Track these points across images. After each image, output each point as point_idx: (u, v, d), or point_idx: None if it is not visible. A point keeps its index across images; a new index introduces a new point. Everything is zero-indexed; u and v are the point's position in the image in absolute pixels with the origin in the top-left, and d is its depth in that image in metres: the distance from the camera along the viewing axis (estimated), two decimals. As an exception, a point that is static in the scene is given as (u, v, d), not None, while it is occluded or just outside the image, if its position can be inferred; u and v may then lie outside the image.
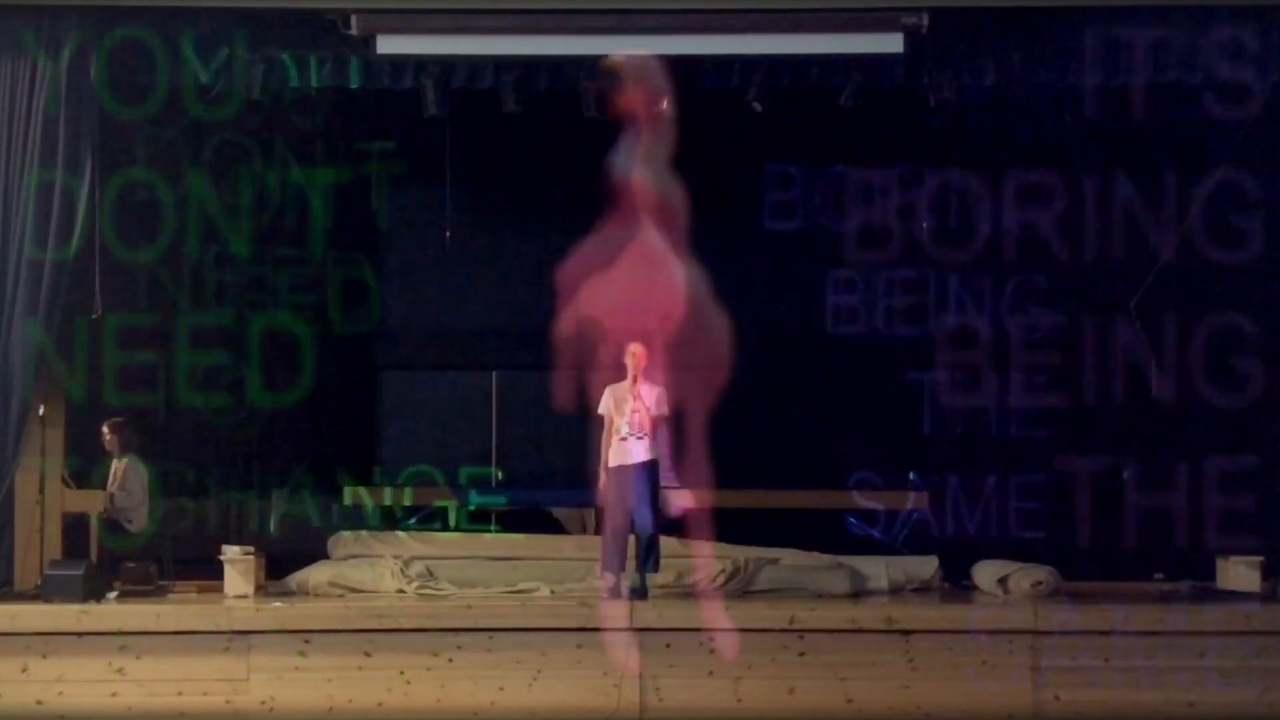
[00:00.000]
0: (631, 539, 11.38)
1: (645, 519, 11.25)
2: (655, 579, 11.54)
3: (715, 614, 10.83)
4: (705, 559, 12.18)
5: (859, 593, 12.09)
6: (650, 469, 11.28)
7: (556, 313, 11.99)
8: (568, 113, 12.51)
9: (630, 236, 13.48)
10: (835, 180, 14.34)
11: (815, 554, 12.62)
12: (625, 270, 13.61)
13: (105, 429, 12.48)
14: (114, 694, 10.65)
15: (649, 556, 11.28)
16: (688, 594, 11.74)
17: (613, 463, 11.34)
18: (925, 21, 11.38)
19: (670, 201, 12.31)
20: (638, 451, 11.27)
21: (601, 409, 11.46)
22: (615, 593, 11.18)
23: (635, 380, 11.34)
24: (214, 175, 13.99)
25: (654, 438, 11.30)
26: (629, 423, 11.27)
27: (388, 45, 11.65)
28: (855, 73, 12.03)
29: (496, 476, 14.78)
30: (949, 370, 14.43)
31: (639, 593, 11.20)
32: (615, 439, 11.33)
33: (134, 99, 12.33)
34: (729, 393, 14.57)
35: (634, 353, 11.38)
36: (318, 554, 12.69)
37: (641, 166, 12.70)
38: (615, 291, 13.60)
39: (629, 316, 13.44)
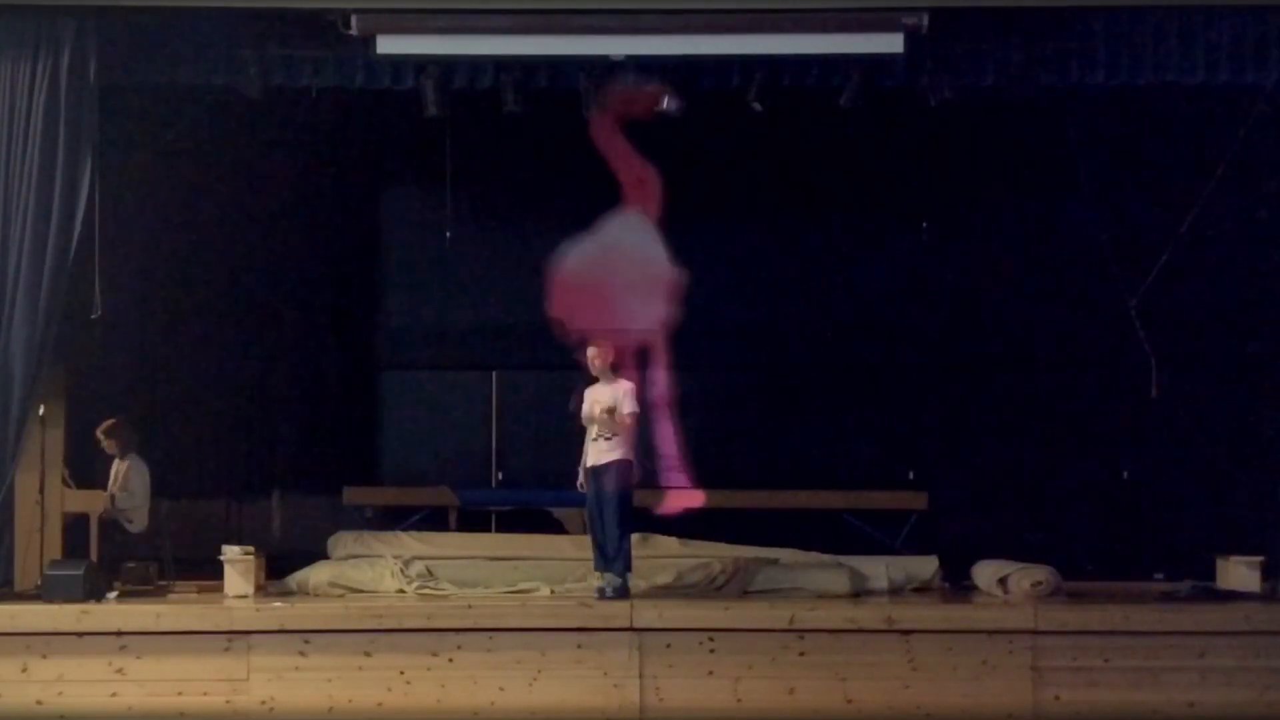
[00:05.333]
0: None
1: (611, 519, 11.25)
2: (655, 579, 11.54)
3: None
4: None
5: (859, 593, 12.08)
6: (617, 469, 11.28)
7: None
8: (568, 113, 12.51)
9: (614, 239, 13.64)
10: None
11: (815, 554, 12.62)
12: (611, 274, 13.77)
13: (99, 433, 12.48)
14: (114, 694, 10.64)
15: (618, 556, 11.26)
16: (688, 594, 11.74)
17: (589, 463, 11.38)
18: (925, 21, 11.37)
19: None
20: (604, 452, 11.29)
21: (582, 411, 11.49)
22: (602, 592, 11.20)
23: (598, 381, 11.37)
24: (213, 175, 14.01)
25: (623, 437, 11.29)
26: (597, 423, 11.30)
27: (388, 45, 11.64)
28: (855, 73, 12.03)
29: (497, 477, 14.79)
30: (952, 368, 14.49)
31: (618, 591, 11.19)
32: (588, 440, 11.37)
33: (134, 99, 12.33)
34: (731, 392, 14.68)
35: (592, 356, 11.40)
36: (318, 554, 12.69)
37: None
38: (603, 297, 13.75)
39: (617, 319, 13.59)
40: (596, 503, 11.34)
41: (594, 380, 11.49)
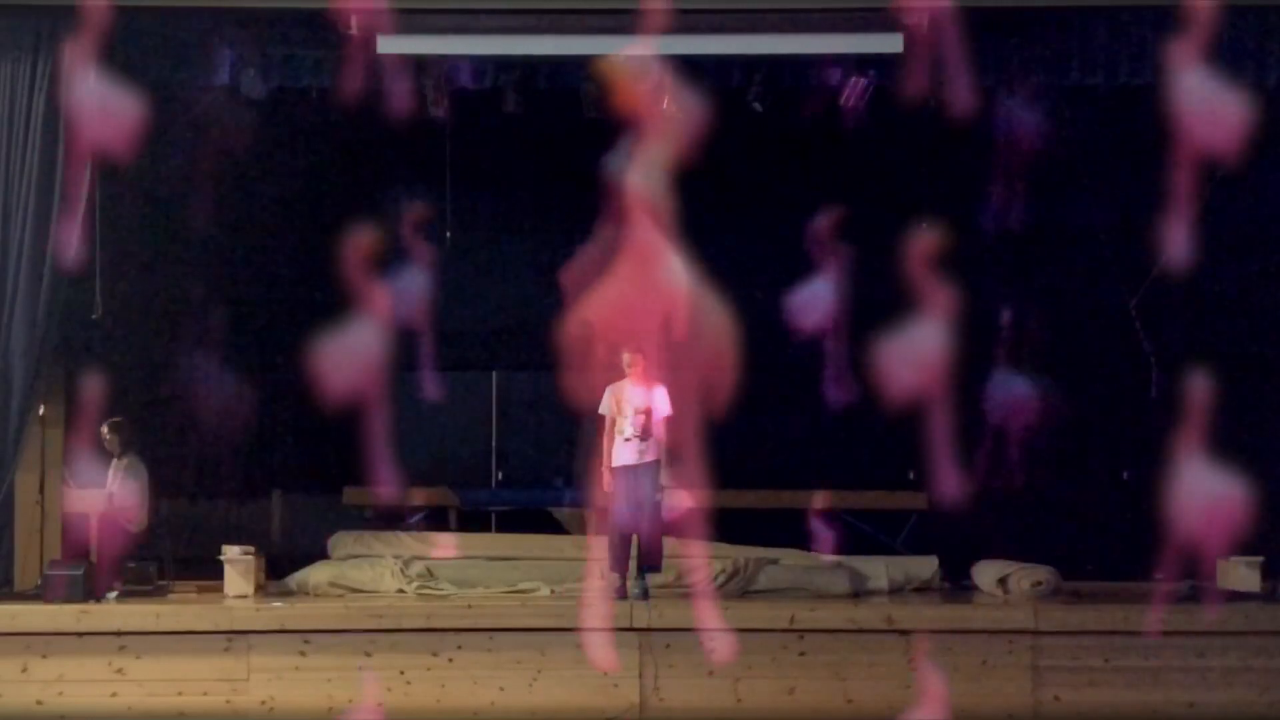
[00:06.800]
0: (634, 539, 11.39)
1: (647, 519, 11.22)
2: (655, 579, 11.54)
3: (710, 615, 10.78)
4: (701, 560, 12.20)
5: (859, 593, 12.09)
6: (653, 470, 11.25)
7: (563, 316, 11.95)
8: (568, 113, 12.50)
9: (624, 238, 13.45)
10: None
11: (815, 554, 12.62)
12: (621, 273, 13.57)
13: (104, 429, 12.48)
14: (114, 694, 10.65)
15: (652, 556, 11.26)
16: (687, 594, 11.74)
17: (616, 463, 11.31)
18: (925, 21, 11.37)
19: (660, 201, 12.27)
20: (640, 454, 11.24)
21: (602, 409, 11.41)
22: (621, 593, 11.17)
23: (636, 382, 11.29)
24: (214, 175, 14.00)
25: (659, 438, 11.25)
26: (632, 423, 11.23)
27: (388, 45, 11.64)
28: (855, 73, 12.03)
29: (497, 477, 14.79)
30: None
31: (642, 593, 11.19)
32: (619, 439, 11.30)
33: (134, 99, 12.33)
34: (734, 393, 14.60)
35: (628, 362, 11.31)
36: (318, 554, 12.69)
37: (638, 169, 12.69)
38: (612, 296, 13.56)
39: (626, 320, 13.40)
40: (627, 503, 11.22)
41: (618, 379, 11.36)
